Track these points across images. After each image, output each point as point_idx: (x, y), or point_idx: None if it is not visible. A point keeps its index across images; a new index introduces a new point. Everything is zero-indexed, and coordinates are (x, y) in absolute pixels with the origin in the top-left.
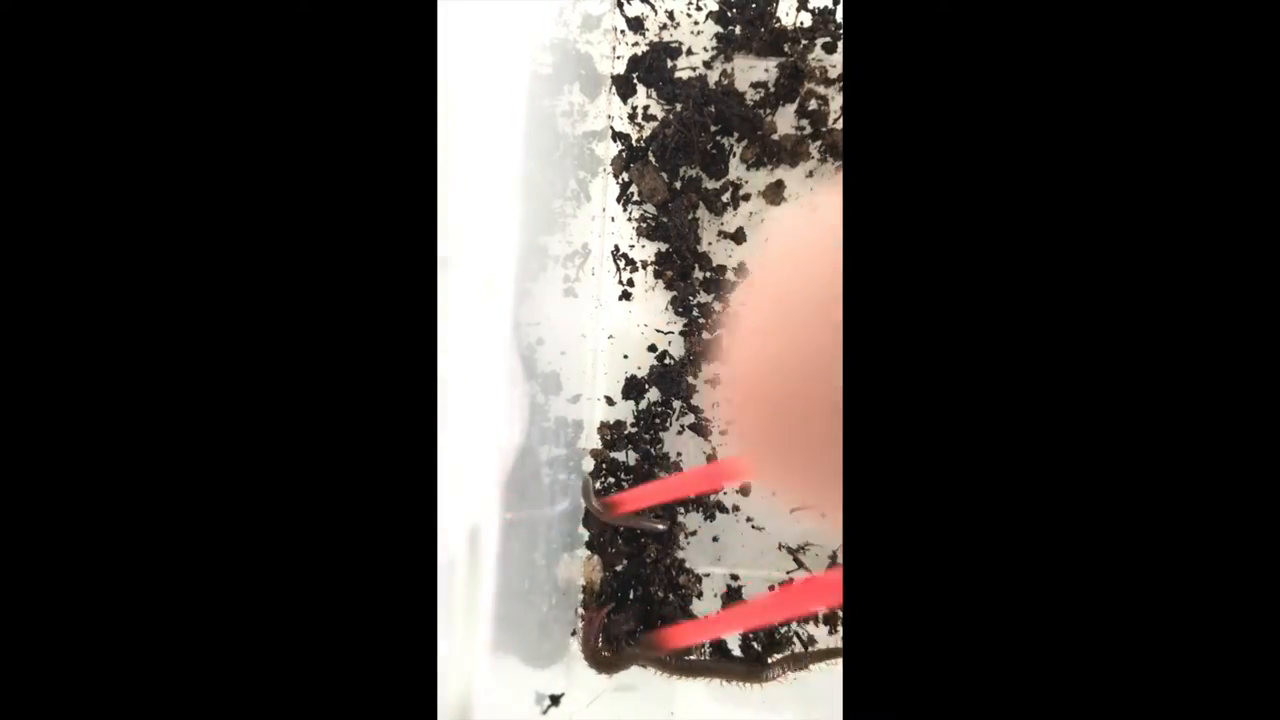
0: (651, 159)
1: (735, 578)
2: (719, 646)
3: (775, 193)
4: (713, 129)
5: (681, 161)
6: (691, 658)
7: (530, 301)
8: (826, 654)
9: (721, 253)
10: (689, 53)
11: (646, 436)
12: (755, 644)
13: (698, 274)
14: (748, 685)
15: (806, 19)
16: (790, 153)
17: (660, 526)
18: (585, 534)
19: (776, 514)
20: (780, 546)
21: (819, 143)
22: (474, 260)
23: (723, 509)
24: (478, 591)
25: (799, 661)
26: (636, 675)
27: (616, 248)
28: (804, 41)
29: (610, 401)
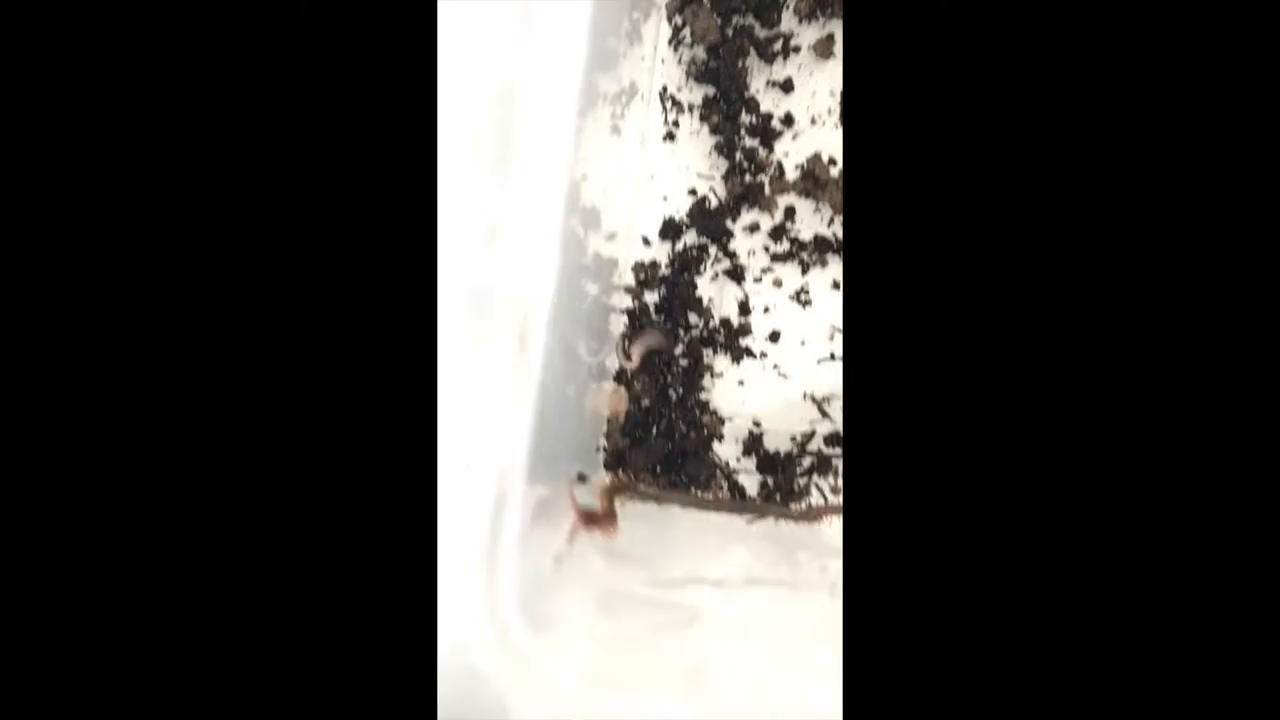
0: (706, 1)
1: (758, 424)
2: (736, 488)
3: (826, 47)
4: None
5: (736, 5)
6: (708, 497)
7: (579, 137)
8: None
9: (769, 100)
10: None
11: (681, 279)
12: (776, 491)
13: (744, 118)
14: (760, 518)
15: None
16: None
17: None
18: (613, 367)
19: (804, 365)
20: (805, 396)
21: None
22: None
23: (750, 354)
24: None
25: (814, 514)
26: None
27: (665, 89)
28: None
29: (646, 242)
